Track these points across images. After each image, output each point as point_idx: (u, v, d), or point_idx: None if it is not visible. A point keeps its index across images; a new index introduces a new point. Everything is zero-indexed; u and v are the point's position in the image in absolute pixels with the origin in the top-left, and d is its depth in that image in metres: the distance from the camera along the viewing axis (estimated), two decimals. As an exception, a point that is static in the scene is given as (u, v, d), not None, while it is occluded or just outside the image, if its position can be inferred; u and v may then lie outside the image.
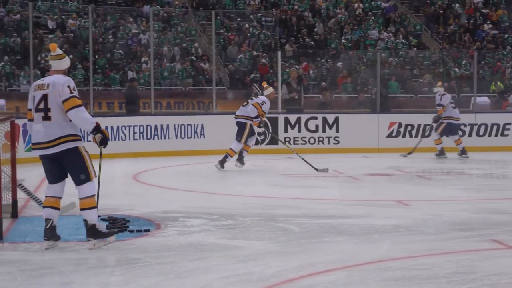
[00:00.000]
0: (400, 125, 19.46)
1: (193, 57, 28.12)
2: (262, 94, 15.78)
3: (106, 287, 6.67)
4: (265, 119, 15.94)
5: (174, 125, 18.10)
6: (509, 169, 16.04)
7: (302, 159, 13.35)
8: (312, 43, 30.09)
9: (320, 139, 19.12)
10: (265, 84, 16.20)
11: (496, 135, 19.65)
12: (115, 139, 17.11)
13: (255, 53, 28.71)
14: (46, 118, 7.83)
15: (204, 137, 18.38)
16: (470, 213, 10.26)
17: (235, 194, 12.13)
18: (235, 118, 15.58)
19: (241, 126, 15.49)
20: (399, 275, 6.93)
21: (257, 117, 15.43)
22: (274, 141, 18.54)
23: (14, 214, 9.65)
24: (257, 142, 18.61)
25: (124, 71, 27.14)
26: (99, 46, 27.60)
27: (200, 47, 29.32)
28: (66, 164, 8.00)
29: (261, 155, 18.05)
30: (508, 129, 19.80)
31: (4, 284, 6.59)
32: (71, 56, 26.36)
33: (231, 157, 15.37)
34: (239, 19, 31.40)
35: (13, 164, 9.66)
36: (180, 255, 7.76)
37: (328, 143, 19.07)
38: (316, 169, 13.62)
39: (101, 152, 8.39)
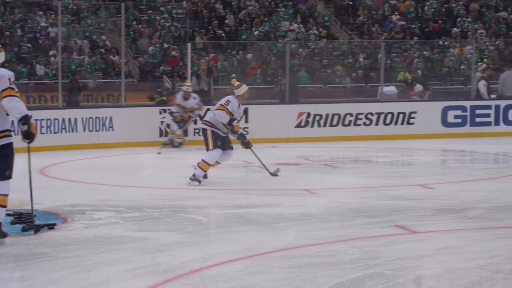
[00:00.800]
0: (308, 115, 19.63)
1: (102, 50, 27.87)
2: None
3: (10, 282, 6.58)
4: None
5: (82, 118, 17.89)
6: (414, 156, 16.37)
7: (258, 159, 12.93)
8: (223, 35, 30.13)
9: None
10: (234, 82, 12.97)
11: (402, 123, 19.99)
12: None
13: (165, 45, 28.61)
14: None
15: (112, 130, 18.22)
16: (375, 200, 10.44)
17: (144, 186, 12.09)
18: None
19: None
20: (304, 262, 7.01)
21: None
22: (184, 132, 18.50)
23: None
24: (166, 134, 18.59)
25: (32, 65, 26.73)
26: (6, 39, 27.11)
27: (110, 40, 29.06)
28: None
29: (171, 147, 18.00)
30: (414, 118, 20.16)
31: None
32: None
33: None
34: (150, 11, 31.23)
35: None
36: (87, 248, 7.70)
37: (238, 134, 19.09)
38: (271, 173, 12.97)
39: (29, 147, 8.22)
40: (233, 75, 25.95)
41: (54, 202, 10.21)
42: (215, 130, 12.23)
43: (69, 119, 17.75)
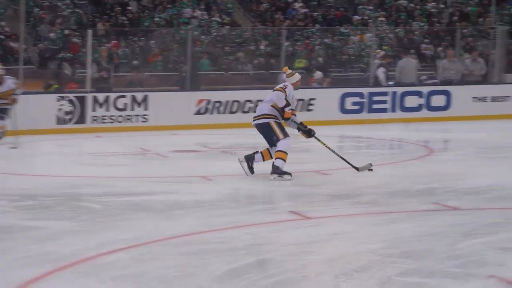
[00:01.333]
0: (208, 102, 19.62)
1: (2, 37, 27.25)
2: None
3: None
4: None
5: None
6: (311, 142, 16.51)
7: (340, 157, 11.77)
8: (126, 21, 29.80)
9: (128, 117, 18.97)
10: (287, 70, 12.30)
11: (301, 110, 20.14)
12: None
13: (66, 32, 28.14)
14: None
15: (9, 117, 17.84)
16: (271, 187, 10.52)
17: (39, 175, 11.89)
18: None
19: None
20: (197, 249, 7.03)
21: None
22: (82, 120, 18.29)
23: None
24: (65, 122, 18.34)
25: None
26: None
27: (10, 26, 28.41)
28: None
29: (69, 135, 17.75)
30: (313, 104, 20.37)
31: None
32: None
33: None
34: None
35: None
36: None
37: (137, 121, 18.96)
38: (357, 168, 11.82)
39: None
40: (134, 62, 25.76)
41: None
42: (277, 120, 11.57)
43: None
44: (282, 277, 6.12)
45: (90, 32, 20.96)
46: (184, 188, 10.52)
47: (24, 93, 17.01)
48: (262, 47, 28.09)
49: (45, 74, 24.84)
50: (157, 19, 30.60)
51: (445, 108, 20.97)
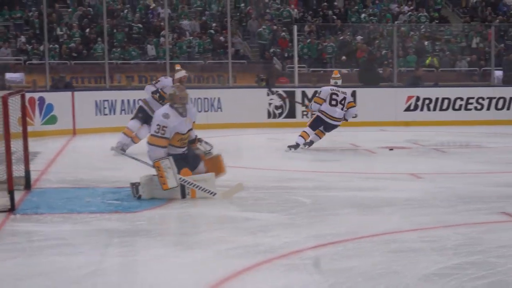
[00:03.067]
0: (417, 98, 19.42)
1: (212, 31, 28.08)
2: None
3: (115, 257, 6.76)
4: None
5: (191, 98, 18.07)
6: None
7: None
8: (334, 16, 29.92)
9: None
10: None
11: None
12: (131, 112, 17.20)
13: (274, 27, 28.62)
14: None
15: (221, 110, 18.42)
16: (481, 186, 10.25)
17: (250, 167, 12.14)
18: None
19: None
20: (405, 247, 6.96)
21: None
22: (291, 114, 18.57)
23: (27, 186, 9.74)
24: (274, 115, 18.68)
25: (143, 45, 27.18)
26: (116, 20, 27.62)
27: (217, 22, 29.23)
28: None
29: (279, 129, 18.06)
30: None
31: (13, 255, 6.68)
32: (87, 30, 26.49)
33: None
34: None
35: (25, 136, 9.73)
36: (190, 227, 7.84)
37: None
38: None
39: None
40: (343, 58, 25.87)
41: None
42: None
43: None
44: (492, 279, 5.95)
45: (295, 27, 21.19)
46: (392, 185, 10.44)
47: (235, 87, 17.51)
48: (474, 43, 27.44)
49: (256, 69, 25.36)
50: (363, 15, 30.49)
51: None
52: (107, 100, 17.70)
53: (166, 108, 9.29)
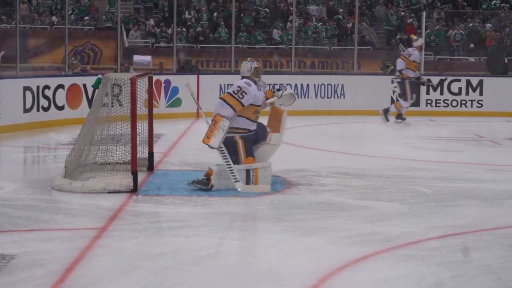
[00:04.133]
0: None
1: (340, 16, 27.96)
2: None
3: (233, 241, 6.86)
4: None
5: (314, 84, 18.15)
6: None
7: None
8: (464, 3, 29.32)
9: (463, 101, 18.75)
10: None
11: None
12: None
13: (402, 13, 28.28)
14: None
15: (344, 97, 18.35)
16: None
17: (371, 155, 12.06)
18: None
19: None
20: (526, 240, 6.81)
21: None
22: (416, 103, 18.34)
23: (150, 168, 9.95)
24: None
25: (268, 30, 27.30)
26: (244, 4, 27.83)
27: (344, 7, 29.12)
28: None
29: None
30: None
31: (134, 235, 6.85)
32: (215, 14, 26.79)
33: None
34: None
35: (150, 118, 9.93)
36: (308, 213, 7.86)
37: (471, 106, 18.68)
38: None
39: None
40: (471, 45, 25.36)
41: (280, 166, 10.41)
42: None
43: (302, 85, 18.07)
44: None
45: (423, 14, 20.89)
46: (516, 177, 10.23)
47: (359, 74, 17.42)
48: None
49: (381, 55, 25.14)
50: (495, 1, 29.73)
51: None
52: (231, 84, 17.80)
53: (247, 80, 9.19)
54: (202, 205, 8.14)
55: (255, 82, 9.22)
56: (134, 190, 8.54)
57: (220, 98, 9.09)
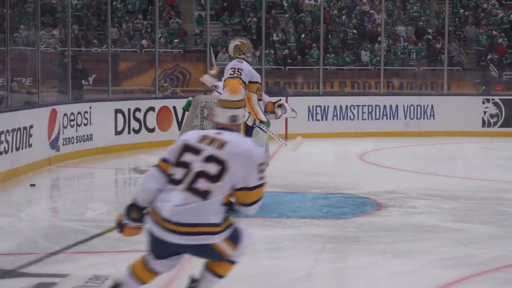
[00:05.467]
0: None
1: (429, 36, 27.68)
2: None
3: (325, 263, 6.82)
4: None
5: (403, 105, 18.00)
6: None
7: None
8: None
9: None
10: None
11: None
12: (343, 119, 17.33)
13: (493, 32, 27.84)
14: None
15: (433, 118, 18.14)
16: None
17: (462, 177, 11.86)
18: None
19: None
20: None
21: None
22: (508, 123, 17.97)
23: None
24: (489, 124, 18.16)
25: (356, 51, 27.22)
26: (332, 26, 27.80)
27: (434, 27, 28.82)
28: None
29: (494, 138, 17.56)
30: None
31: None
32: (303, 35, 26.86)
33: None
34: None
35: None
36: (400, 235, 7.77)
37: None
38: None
39: None
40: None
41: (370, 187, 10.34)
42: None
43: (390, 106, 17.94)
44: None
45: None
46: None
47: (449, 94, 17.21)
48: None
49: (472, 76, 24.77)
50: None
51: None
52: (319, 106, 17.85)
53: (234, 60, 8.88)
54: (292, 227, 8.12)
55: (245, 60, 8.94)
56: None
57: (224, 85, 8.86)
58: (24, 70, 15.50)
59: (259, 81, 8.99)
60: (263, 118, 8.71)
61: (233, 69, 8.72)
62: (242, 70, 8.71)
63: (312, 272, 6.48)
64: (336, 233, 7.89)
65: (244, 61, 8.91)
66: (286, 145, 9.20)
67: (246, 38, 10.56)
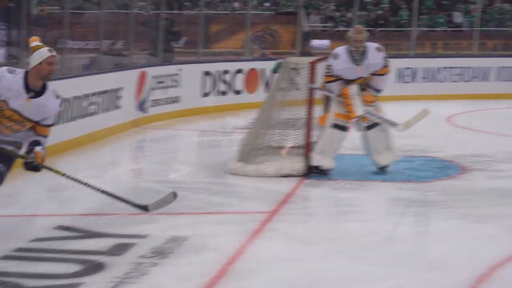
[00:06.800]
0: None
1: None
2: None
3: (405, 226, 6.80)
4: None
5: (497, 67, 17.65)
6: None
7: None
8: None
9: None
10: None
11: None
12: (433, 81, 17.11)
13: None
14: None
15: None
16: None
17: None
18: None
19: None
20: None
21: None
22: None
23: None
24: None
25: (450, 13, 26.71)
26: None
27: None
28: None
29: None
30: None
31: (304, 219, 6.93)
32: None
33: None
34: None
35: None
36: (483, 200, 7.69)
37: None
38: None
39: None
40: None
41: (456, 151, 10.22)
42: None
43: (483, 68, 17.62)
44: None
45: None
46: None
47: None
48: None
49: None
50: None
51: None
52: (409, 68, 17.64)
53: (341, 49, 8.70)
54: (374, 190, 8.11)
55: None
56: (306, 174, 8.57)
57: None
58: (116, 33, 15.71)
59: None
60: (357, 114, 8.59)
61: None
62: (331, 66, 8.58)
63: (393, 235, 6.49)
64: (418, 196, 7.84)
65: (340, 54, 8.60)
66: (395, 126, 8.84)
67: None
